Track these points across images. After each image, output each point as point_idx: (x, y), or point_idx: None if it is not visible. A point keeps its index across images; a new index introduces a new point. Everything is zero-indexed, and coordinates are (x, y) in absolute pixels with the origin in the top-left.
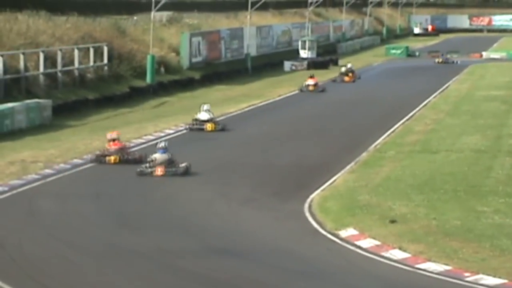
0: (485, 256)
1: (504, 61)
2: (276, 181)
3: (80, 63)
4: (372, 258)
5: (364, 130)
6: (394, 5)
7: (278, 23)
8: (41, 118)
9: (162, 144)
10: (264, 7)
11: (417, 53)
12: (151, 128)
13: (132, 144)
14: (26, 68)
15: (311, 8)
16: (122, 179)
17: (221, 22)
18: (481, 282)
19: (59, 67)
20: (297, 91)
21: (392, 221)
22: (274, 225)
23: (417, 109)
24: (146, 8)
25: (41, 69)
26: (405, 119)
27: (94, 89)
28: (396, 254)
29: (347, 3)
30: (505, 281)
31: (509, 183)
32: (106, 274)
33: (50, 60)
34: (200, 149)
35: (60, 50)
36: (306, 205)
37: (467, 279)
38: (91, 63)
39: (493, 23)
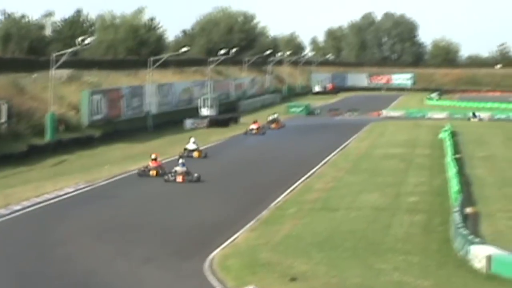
0: None
1: (403, 119)
2: (177, 240)
3: None
4: None
5: (266, 188)
6: (295, 63)
7: (179, 80)
8: None
9: (181, 160)
10: (164, 65)
11: (317, 111)
12: (50, 186)
13: (30, 203)
14: None
15: (212, 66)
16: None
17: (122, 80)
18: None
19: None
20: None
21: (293, 279)
22: (174, 285)
23: (318, 166)
24: (45, 66)
25: None
26: (305, 176)
27: None
28: None
29: (248, 61)
30: None
31: (407, 240)
32: None
33: None
34: (102, 207)
35: None
36: (207, 264)
37: None
38: None
39: (392, 81)
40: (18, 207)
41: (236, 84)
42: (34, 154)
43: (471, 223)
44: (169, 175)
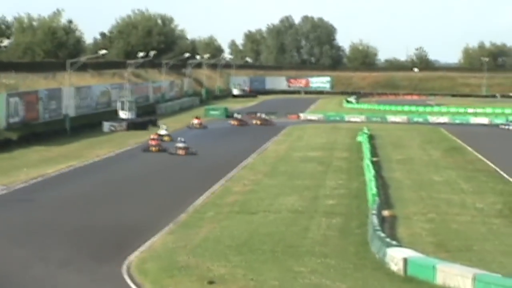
0: None
1: (321, 123)
2: (95, 243)
3: None
4: None
5: (184, 191)
6: (213, 66)
7: (97, 83)
8: None
9: (182, 139)
10: (83, 68)
11: (236, 114)
12: None
13: None
14: None
15: (130, 69)
16: None
17: (39, 83)
18: None
19: None
20: (115, 152)
21: (210, 282)
22: None
23: (236, 169)
24: None
25: None
26: (224, 179)
27: None
28: None
29: (166, 64)
30: None
31: (325, 243)
32: None
33: None
34: (18, 211)
35: None
36: (125, 267)
37: None
38: None
39: (310, 85)
40: None
41: (154, 87)
42: None
43: (388, 226)
44: (172, 149)
